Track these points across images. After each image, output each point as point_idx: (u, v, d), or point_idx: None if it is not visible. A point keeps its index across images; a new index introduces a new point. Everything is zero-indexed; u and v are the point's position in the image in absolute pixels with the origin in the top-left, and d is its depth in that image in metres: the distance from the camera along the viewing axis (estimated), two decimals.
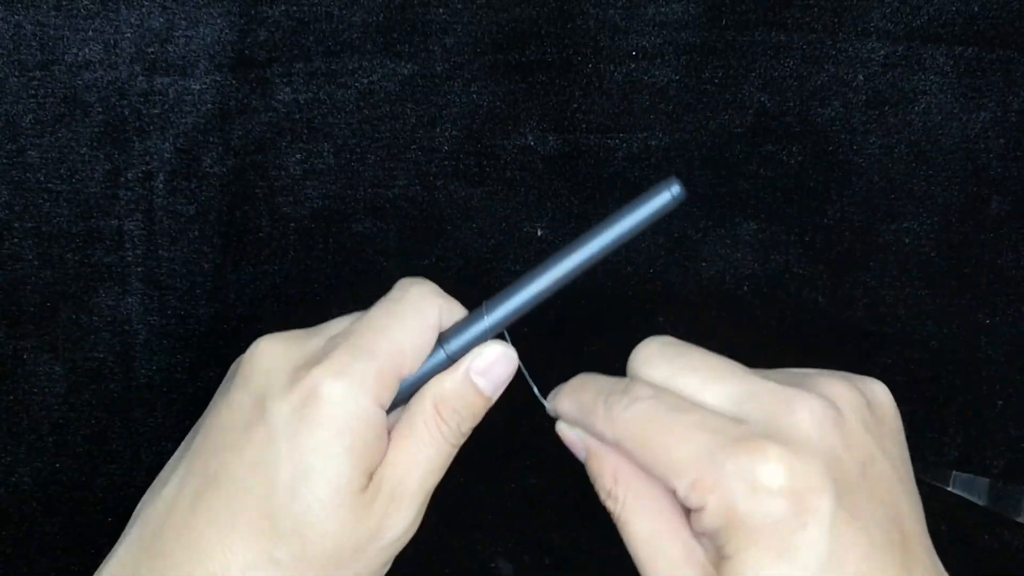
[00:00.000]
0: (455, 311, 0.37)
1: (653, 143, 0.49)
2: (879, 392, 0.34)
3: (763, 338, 0.50)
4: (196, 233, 0.49)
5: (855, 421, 0.32)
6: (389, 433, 0.36)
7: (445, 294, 0.37)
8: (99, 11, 0.47)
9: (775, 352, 0.51)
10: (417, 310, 0.36)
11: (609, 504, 0.34)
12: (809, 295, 0.50)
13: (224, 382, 0.38)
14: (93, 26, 0.47)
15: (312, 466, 0.33)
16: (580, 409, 0.35)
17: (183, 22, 0.47)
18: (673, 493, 0.32)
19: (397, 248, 0.50)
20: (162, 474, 0.37)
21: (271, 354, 0.36)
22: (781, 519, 0.29)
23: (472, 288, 0.50)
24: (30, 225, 0.48)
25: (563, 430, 0.36)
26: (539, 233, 0.50)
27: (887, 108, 0.49)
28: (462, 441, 0.37)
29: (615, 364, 0.53)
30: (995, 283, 0.50)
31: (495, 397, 0.37)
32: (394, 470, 0.35)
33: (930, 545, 0.33)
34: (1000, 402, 0.51)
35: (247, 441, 0.34)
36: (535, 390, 0.37)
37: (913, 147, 0.50)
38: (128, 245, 0.49)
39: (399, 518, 0.35)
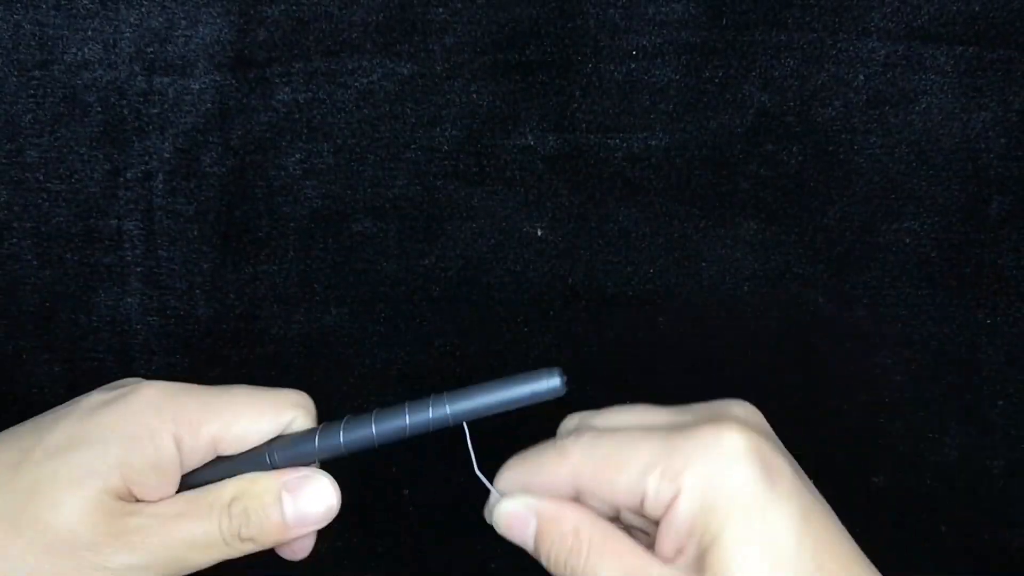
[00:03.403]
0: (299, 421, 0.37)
1: (653, 143, 0.49)
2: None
3: (763, 338, 0.50)
4: (195, 233, 0.49)
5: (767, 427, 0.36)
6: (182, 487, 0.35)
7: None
8: (98, 10, 0.47)
9: (775, 352, 0.51)
10: (264, 401, 0.36)
11: (572, 562, 0.34)
12: (809, 295, 0.50)
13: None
14: (92, 25, 0.47)
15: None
16: (529, 466, 0.35)
17: (182, 22, 0.47)
18: (639, 506, 0.33)
19: (397, 248, 0.50)
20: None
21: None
22: (755, 480, 0.32)
23: (472, 288, 0.50)
24: (29, 225, 0.48)
25: (506, 508, 0.35)
26: (539, 233, 0.50)
27: (887, 108, 0.49)
28: (237, 548, 0.35)
29: (615, 365, 0.53)
30: (995, 283, 0.50)
31: (293, 530, 0.36)
32: (153, 512, 0.34)
33: None
34: (1000, 402, 0.51)
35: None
36: (481, 477, 0.36)
37: (913, 147, 0.49)
38: (127, 245, 0.49)
39: (124, 557, 0.33)
